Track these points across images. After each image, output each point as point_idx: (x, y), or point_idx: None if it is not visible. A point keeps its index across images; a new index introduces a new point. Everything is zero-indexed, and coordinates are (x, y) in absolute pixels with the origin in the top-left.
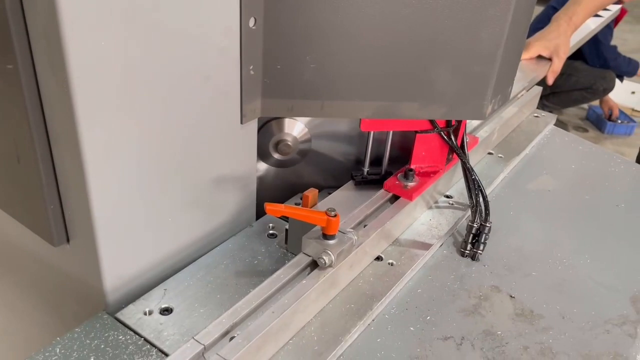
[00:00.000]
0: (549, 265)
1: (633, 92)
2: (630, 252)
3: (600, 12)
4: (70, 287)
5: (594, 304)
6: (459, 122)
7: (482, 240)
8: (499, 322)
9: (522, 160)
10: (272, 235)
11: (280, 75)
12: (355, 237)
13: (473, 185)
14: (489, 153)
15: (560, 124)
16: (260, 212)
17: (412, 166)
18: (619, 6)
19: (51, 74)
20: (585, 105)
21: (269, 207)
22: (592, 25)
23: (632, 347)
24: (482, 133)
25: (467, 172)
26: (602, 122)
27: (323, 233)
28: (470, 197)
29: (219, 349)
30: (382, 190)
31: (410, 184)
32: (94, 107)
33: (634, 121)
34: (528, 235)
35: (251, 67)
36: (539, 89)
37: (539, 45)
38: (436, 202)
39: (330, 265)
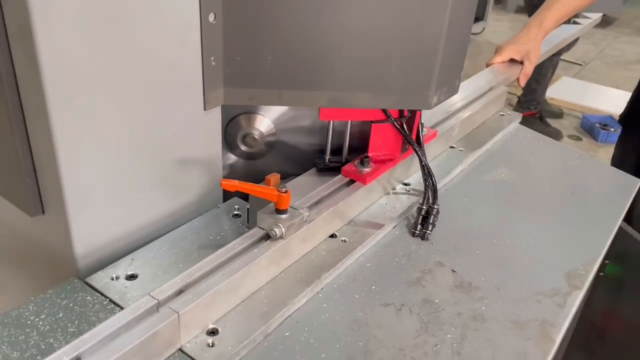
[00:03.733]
0: (493, 245)
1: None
2: (573, 234)
3: (579, 20)
4: (45, 256)
5: (530, 279)
6: (413, 113)
7: (431, 221)
8: (438, 292)
9: (484, 154)
10: (237, 215)
11: (240, 66)
12: (307, 213)
13: (423, 171)
14: (451, 147)
15: (554, 132)
16: (228, 196)
17: (369, 154)
18: (599, 15)
19: (25, 60)
20: (579, 114)
21: (224, 182)
22: (566, 33)
23: (560, 315)
24: (444, 127)
25: (419, 159)
26: (595, 131)
27: (276, 208)
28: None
29: (171, 304)
30: (339, 175)
31: (366, 170)
32: (63, 91)
33: None
34: (478, 219)
35: (212, 59)
36: (505, 89)
37: (511, 49)
38: (394, 188)
39: (281, 237)
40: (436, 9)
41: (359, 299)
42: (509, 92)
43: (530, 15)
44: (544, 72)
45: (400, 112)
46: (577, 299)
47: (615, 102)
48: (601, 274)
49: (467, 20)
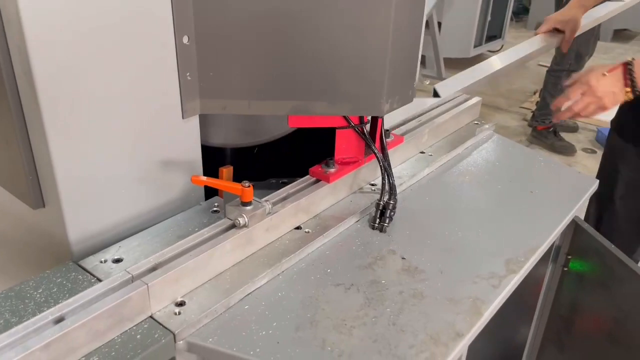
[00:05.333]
0: (445, 237)
1: None
2: (520, 228)
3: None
4: (46, 242)
5: (472, 264)
6: (374, 120)
7: (387, 215)
8: (386, 275)
9: (453, 159)
10: (216, 211)
11: (214, 80)
12: (270, 206)
13: (382, 170)
14: (422, 152)
15: (567, 146)
16: (211, 195)
17: (336, 157)
18: None
19: (24, 77)
20: (594, 127)
21: (194, 178)
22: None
23: (492, 294)
24: (414, 133)
25: (378, 160)
26: None
27: (241, 201)
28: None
29: (143, 278)
30: (307, 176)
31: (330, 170)
32: (57, 107)
33: None
34: (435, 214)
35: (188, 74)
36: (479, 99)
37: (553, 19)
38: (361, 188)
39: (245, 226)
40: (379, 25)
41: (314, 280)
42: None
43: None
44: (559, 87)
45: (361, 119)
46: (512, 281)
47: None
48: (565, 269)
49: (413, 34)
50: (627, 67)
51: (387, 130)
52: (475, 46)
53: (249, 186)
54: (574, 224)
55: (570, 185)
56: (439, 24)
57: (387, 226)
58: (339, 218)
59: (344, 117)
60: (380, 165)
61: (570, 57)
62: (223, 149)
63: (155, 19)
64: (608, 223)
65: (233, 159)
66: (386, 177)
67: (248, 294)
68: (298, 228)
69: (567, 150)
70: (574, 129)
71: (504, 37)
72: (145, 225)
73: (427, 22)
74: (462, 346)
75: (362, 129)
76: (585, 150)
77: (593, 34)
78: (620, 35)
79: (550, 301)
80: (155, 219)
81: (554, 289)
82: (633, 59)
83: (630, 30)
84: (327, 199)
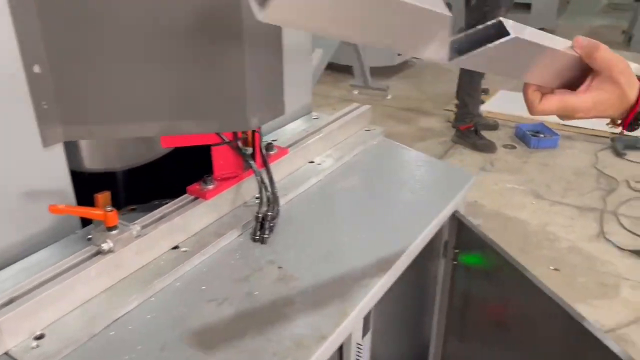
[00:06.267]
0: (324, 243)
1: None
2: (396, 228)
3: None
4: None
5: (346, 267)
6: (251, 134)
7: (267, 227)
8: (261, 286)
9: (341, 166)
10: (90, 239)
11: (74, 106)
12: (138, 228)
13: (258, 183)
14: (310, 162)
15: (488, 144)
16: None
17: (216, 174)
18: None
19: None
20: (513, 124)
21: (51, 207)
22: None
23: (359, 294)
24: (301, 144)
25: (255, 173)
26: (528, 138)
27: (105, 226)
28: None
29: None
30: (186, 194)
31: (208, 187)
32: None
33: (557, 134)
34: (318, 222)
35: (44, 103)
36: (368, 107)
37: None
38: (245, 202)
39: (110, 251)
40: (234, 46)
41: (188, 299)
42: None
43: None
44: (475, 87)
45: (235, 134)
46: (381, 279)
47: None
48: (455, 262)
49: (272, 53)
50: None
51: (271, 142)
52: (399, 54)
53: (111, 210)
54: (457, 220)
55: (448, 182)
56: None
57: (267, 237)
58: (219, 234)
59: (217, 133)
60: (257, 178)
61: None
62: (110, 172)
63: None
64: None
65: (121, 183)
66: (263, 188)
67: (115, 320)
68: (176, 248)
69: (488, 147)
70: (494, 127)
71: None
72: (14, 259)
73: None
74: (325, 348)
75: (237, 144)
76: (505, 146)
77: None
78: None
79: (446, 294)
80: (26, 252)
81: (448, 282)
82: None
83: (546, 28)
84: (207, 216)
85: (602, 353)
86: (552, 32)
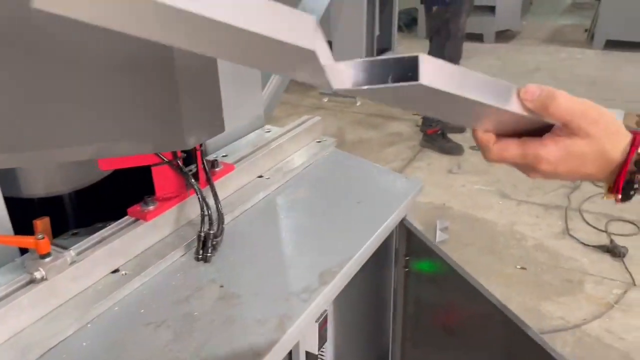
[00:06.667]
0: (267, 259)
1: None
2: (340, 238)
3: None
4: None
5: (289, 282)
6: (190, 152)
7: (210, 245)
8: (201, 306)
9: (292, 179)
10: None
11: (5, 134)
12: (73, 254)
13: (199, 201)
14: (259, 176)
15: (455, 146)
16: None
17: (157, 194)
18: None
19: None
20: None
21: None
22: None
23: (299, 309)
24: (249, 159)
25: (195, 191)
26: None
27: (38, 254)
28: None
29: None
30: (127, 216)
31: (149, 208)
32: None
33: None
34: (263, 237)
35: None
36: (319, 118)
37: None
38: (190, 221)
39: (43, 279)
40: (164, 63)
41: (125, 323)
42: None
43: (430, 39)
44: None
45: (174, 153)
46: (322, 292)
47: None
48: (406, 270)
49: (208, 66)
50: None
51: (216, 159)
52: None
53: (42, 238)
54: (406, 227)
55: (396, 190)
56: (329, 43)
57: (210, 256)
58: (161, 255)
59: (156, 153)
60: (198, 197)
61: None
62: (51, 197)
63: None
64: None
65: (65, 206)
66: (205, 207)
67: (49, 349)
68: (115, 271)
69: (455, 150)
70: (460, 130)
71: (394, 49)
72: None
73: None
74: None
75: (177, 163)
76: (472, 148)
77: (461, 39)
78: (502, 35)
79: (400, 302)
80: None
81: (402, 289)
82: None
83: (511, 30)
84: (148, 238)
85: (541, 356)
86: (517, 33)
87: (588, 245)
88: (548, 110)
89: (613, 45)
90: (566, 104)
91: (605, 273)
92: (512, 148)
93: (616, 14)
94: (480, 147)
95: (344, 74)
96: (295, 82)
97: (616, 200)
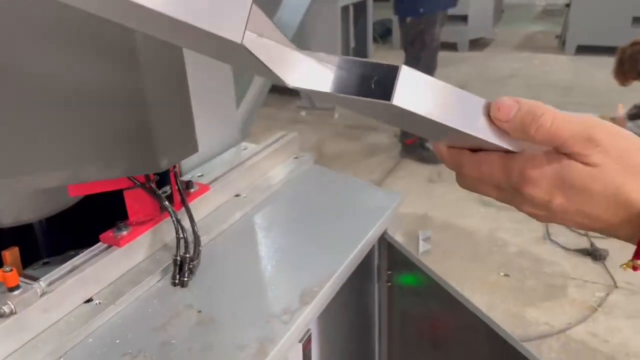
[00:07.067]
0: (246, 281)
1: None
2: (320, 256)
3: None
4: None
5: (267, 304)
6: (163, 174)
7: (186, 269)
8: (178, 333)
9: (270, 197)
10: None
11: None
12: (44, 285)
13: (174, 224)
14: (236, 195)
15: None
16: None
17: (131, 218)
18: None
19: None
20: None
21: None
22: None
23: (281, 331)
24: (226, 178)
25: (170, 214)
26: None
27: (6, 287)
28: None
29: None
30: (99, 243)
31: (122, 234)
32: None
33: None
34: (241, 259)
35: None
36: (295, 134)
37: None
38: (166, 244)
39: (12, 313)
40: (133, 85)
41: (100, 355)
42: None
43: (405, 50)
44: None
45: (147, 176)
46: (303, 313)
47: None
48: (389, 284)
49: (177, 85)
50: None
51: (190, 180)
52: None
53: (10, 270)
54: (387, 241)
55: (376, 205)
56: None
57: (187, 280)
58: (136, 281)
59: (128, 177)
60: (173, 220)
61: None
62: (21, 226)
63: None
64: None
65: (34, 235)
66: (180, 230)
67: None
68: (89, 301)
69: (434, 159)
70: None
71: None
72: None
73: None
74: None
75: (151, 186)
76: None
77: (436, 49)
78: (476, 44)
79: (385, 317)
80: None
81: (386, 304)
82: None
83: (485, 38)
84: (122, 264)
85: None
86: (490, 41)
87: (569, 249)
88: (529, 133)
89: (584, 50)
90: (555, 124)
91: (587, 276)
92: (492, 160)
93: (585, 20)
94: (451, 166)
95: (309, 70)
96: (273, 96)
97: (635, 268)
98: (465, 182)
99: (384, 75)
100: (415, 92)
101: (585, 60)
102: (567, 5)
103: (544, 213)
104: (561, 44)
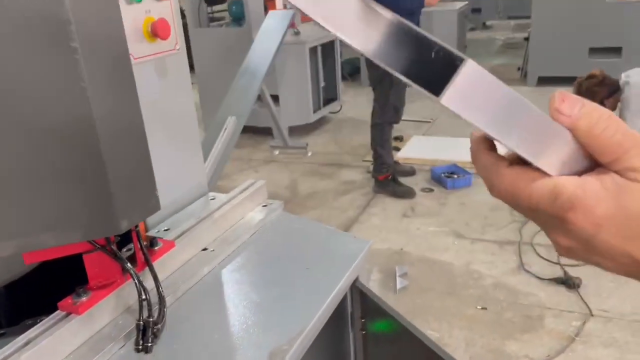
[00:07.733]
0: (213, 343)
1: None
2: (291, 311)
3: None
4: None
5: None
6: (125, 236)
7: (149, 334)
8: None
9: (238, 248)
10: None
11: None
12: None
13: (137, 287)
14: (204, 249)
15: (407, 190)
16: None
17: (91, 283)
18: None
19: None
20: (429, 167)
21: None
22: None
23: None
24: (192, 233)
25: (132, 277)
26: (443, 180)
27: None
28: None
29: None
30: (58, 311)
31: (82, 300)
32: None
33: (469, 173)
34: (209, 319)
35: None
36: (263, 182)
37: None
38: (130, 307)
39: None
40: (86, 144)
41: None
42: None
43: (373, 89)
44: (385, 138)
45: (107, 238)
46: None
47: (461, 150)
48: (364, 332)
49: (135, 142)
50: None
51: (155, 237)
52: (315, 111)
53: None
54: (358, 289)
55: (345, 252)
56: (277, 97)
57: (152, 345)
58: (97, 350)
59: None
60: (134, 282)
61: (389, 111)
62: None
63: None
64: None
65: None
66: (143, 292)
67: None
68: None
69: (407, 194)
70: (411, 173)
71: (340, 98)
72: None
73: (259, 97)
74: None
75: (111, 248)
76: (423, 190)
77: (404, 86)
78: None
79: None
80: None
81: (362, 353)
82: None
83: None
84: (82, 333)
85: None
86: None
87: (543, 279)
88: (593, 132)
89: (545, 81)
90: (620, 129)
91: (563, 305)
92: (533, 177)
93: (545, 52)
94: (483, 174)
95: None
96: (247, 136)
97: None
98: (497, 187)
99: (443, 61)
100: (472, 95)
101: (547, 91)
102: (526, 39)
103: (580, 247)
104: (523, 76)
